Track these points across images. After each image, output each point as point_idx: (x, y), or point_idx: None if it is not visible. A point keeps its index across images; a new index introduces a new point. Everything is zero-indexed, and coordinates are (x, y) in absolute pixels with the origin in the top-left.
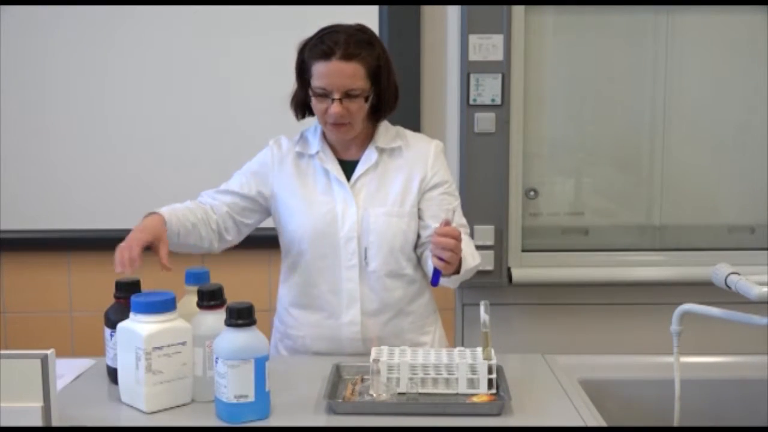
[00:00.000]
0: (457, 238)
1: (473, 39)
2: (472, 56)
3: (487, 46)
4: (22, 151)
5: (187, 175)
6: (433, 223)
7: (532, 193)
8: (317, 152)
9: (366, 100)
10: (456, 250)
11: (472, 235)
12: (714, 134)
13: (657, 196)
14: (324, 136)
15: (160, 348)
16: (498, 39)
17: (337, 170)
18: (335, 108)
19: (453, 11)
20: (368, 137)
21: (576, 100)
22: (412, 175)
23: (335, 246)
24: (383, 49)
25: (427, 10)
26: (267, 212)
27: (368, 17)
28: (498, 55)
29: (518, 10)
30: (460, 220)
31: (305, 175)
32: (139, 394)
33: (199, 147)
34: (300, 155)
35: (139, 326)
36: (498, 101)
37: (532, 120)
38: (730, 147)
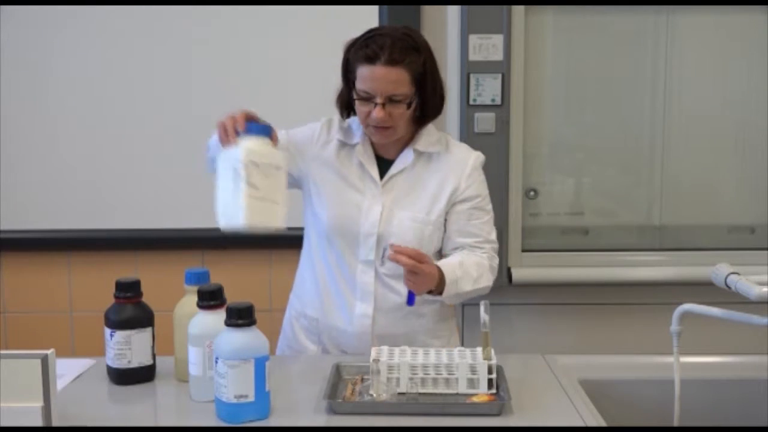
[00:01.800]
0: (412, 257)
1: (473, 39)
2: (472, 56)
3: (487, 46)
4: (23, 151)
5: (188, 174)
6: (458, 238)
7: (532, 193)
8: (356, 144)
9: (409, 106)
10: (415, 270)
11: None
12: (714, 134)
13: (657, 196)
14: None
15: (257, 165)
16: (498, 39)
17: (371, 166)
18: (377, 113)
19: (453, 11)
20: (410, 139)
21: (576, 100)
22: (445, 184)
23: (355, 239)
24: (429, 54)
25: (427, 10)
26: (293, 178)
27: (368, 17)
28: (498, 55)
29: (518, 10)
30: (488, 236)
31: (342, 164)
32: (238, 207)
33: (199, 147)
34: (342, 144)
35: (238, 146)
36: (498, 101)
37: (532, 120)
38: (730, 147)
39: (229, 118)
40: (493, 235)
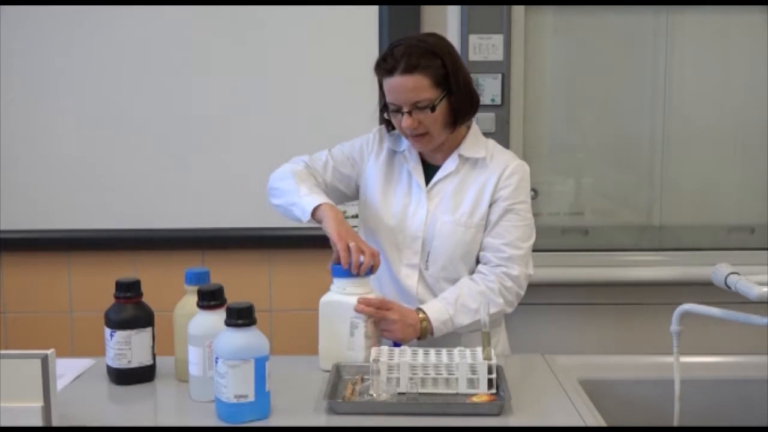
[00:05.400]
0: (380, 307)
1: (473, 39)
2: (472, 56)
3: (487, 46)
4: (22, 151)
5: (188, 174)
6: (486, 237)
7: (532, 193)
8: (403, 151)
9: (433, 110)
10: (383, 318)
11: None
12: (714, 134)
13: (657, 196)
14: None
15: (371, 316)
16: (498, 39)
17: (418, 173)
18: (406, 121)
19: (453, 11)
20: (456, 144)
21: (576, 100)
22: (486, 186)
23: (401, 242)
24: (451, 55)
25: (427, 10)
26: (348, 197)
27: (368, 17)
28: (498, 55)
29: (518, 10)
30: (516, 242)
31: (391, 171)
32: (354, 356)
33: (199, 147)
34: (392, 152)
35: (351, 299)
36: (498, 101)
37: (532, 120)
38: (730, 147)
39: (357, 254)
40: (523, 244)
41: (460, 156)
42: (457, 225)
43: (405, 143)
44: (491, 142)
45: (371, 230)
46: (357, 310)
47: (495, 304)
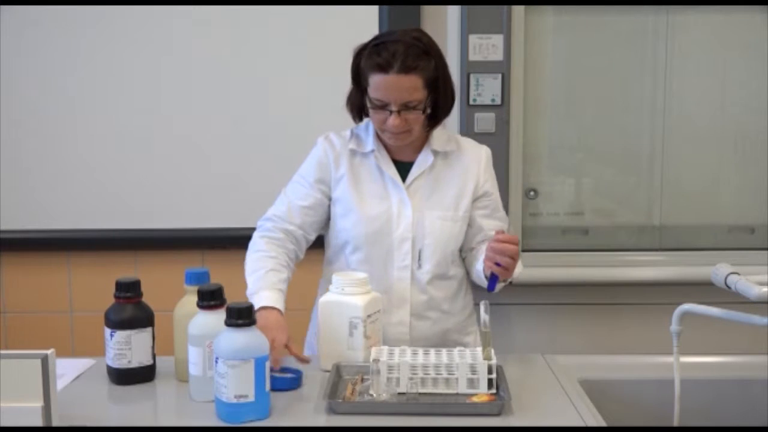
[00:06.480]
0: (516, 244)
1: (473, 39)
2: (472, 56)
3: (487, 46)
4: (22, 151)
5: (188, 174)
6: (489, 231)
7: (532, 193)
8: (372, 151)
9: (424, 111)
10: (515, 257)
11: None
12: (714, 134)
13: (657, 196)
14: (378, 135)
15: (369, 316)
16: (498, 39)
17: (392, 171)
18: (394, 120)
19: (453, 11)
20: (423, 139)
21: (576, 100)
22: (466, 181)
23: (389, 246)
24: (440, 56)
25: (427, 10)
26: (327, 218)
27: (368, 17)
28: (498, 55)
29: (518, 10)
30: (508, 225)
31: (359, 173)
32: (353, 356)
33: (199, 147)
34: (353, 153)
35: (350, 298)
36: (498, 101)
37: (532, 120)
38: (730, 147)
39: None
40: (511, 226)
41: (433, 151)
42: (445, 220)
43: (370, 142)
44: (451, 133)
45: (353, 237)
46: (501, 252)
47: (519, 265)
